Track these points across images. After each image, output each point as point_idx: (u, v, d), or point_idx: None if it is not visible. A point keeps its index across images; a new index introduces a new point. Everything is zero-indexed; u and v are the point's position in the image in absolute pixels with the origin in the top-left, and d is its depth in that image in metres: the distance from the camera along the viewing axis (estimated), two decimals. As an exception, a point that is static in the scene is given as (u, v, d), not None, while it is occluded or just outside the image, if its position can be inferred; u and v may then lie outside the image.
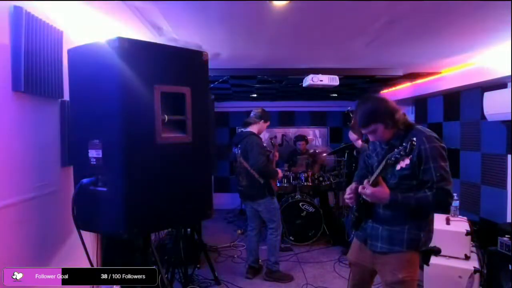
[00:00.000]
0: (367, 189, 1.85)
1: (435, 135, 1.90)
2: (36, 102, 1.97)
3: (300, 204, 4.94)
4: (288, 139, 6.87)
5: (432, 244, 2.00)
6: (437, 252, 2.01)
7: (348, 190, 2.08)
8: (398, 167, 1.72)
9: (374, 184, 1.85)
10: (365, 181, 1.90)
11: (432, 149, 1.82)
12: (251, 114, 3.89)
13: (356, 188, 2.03)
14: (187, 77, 1.87)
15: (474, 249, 3.25)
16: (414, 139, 1.64)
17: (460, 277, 2.96)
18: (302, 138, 6.01)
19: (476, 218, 4.02)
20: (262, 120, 3.85)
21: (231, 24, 2.49)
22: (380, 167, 1.78)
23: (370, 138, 2.01)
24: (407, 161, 1.68)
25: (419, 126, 1.96)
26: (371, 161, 2.18)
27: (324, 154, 5.97)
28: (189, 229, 3.84)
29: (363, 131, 1.99)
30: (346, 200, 2.10)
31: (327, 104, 7.30)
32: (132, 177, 1.64)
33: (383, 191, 1.84)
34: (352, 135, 3.95)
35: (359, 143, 4.04)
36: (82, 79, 1.78)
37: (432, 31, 2.59)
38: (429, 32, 2.62)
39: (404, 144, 1.65)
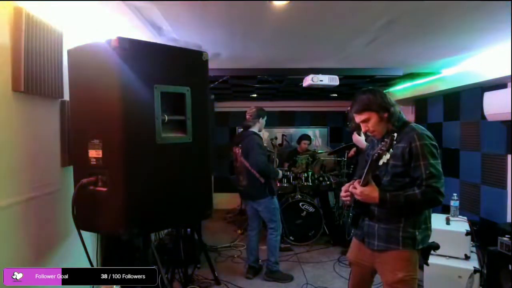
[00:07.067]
0: (357, 189, 1.87)
1: (427, 133, 1.91)
2: (36, 102, 1.97)
3: (300, 204, 4.93)
4: (288, 139, 6.86)
5: (432, 244, 2.01)
6: (436, 247, 2.01)
7: (343, 188, 2.08)
8: (380, 162, 1.74)
9: (365, 183, 1.86)
10: (356, 180, 1.92)
11: (422, 146, 1.83)
12: (247, 116, 3.88)
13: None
14: (187, 77, 1.87)
15: (474, 249, 3.25)
16: (395, 134, 1.68)
17: (460, 277, 2.96)
18: (308, 137, 5.97)
19: (476, 218, 4.02)
20: (260, 118, 3.87)
21: (231, 24, 2.49)
22: (368, 164, 1.81)
23: (363, 128, 2.02)
24: (387, 155, 1.71)
25: (413, 124, 1.97)
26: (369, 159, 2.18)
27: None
28: (189, 229, 3.84)
29: (356, 119, 2.00)
30: (343, 198, 2.10)
31: (327, 104, 7.29)
32: (132, 177, 1.64)
33: (372, 190, 1.85)
34: (356, 136, 3.92)
35: (362, 143, 4.04)
36: (82, 79, 1.78)
37: (432, 31, 2.59)
38: (429, 32, 2.62)
39: (385, 139, 1.67)
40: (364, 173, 1.85)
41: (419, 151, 1.82)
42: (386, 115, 1.92)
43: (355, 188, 1.89)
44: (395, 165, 1.88)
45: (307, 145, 5.84)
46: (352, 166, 5.23)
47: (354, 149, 4.88)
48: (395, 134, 1.69)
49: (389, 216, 1.92)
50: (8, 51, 1.72)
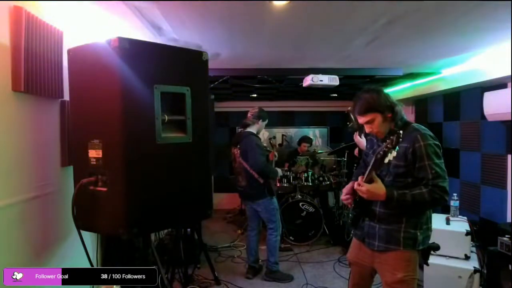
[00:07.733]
0: (362, 186, 1.83)
1: (430, 133, 1.91)
2: (36, 102, 1.97)
3: (300, 204, 4.94)
4: (288, 139, 6.86)
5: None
6: (436, 248, 2.01)
7: (344, 190, 2.06)
8: (386, 160, 1.72)
9: (368, 180, 1.83)
10: (360, 178, 1.88)
11: (426, 146, 1.83)
12: (249, 115, 3.89)
13: (352, 187, 2.00)
14: (187, 77, 1.87)
15: (474, 249, 3.25)
16: (401, 132, 1.65)
17: (460, 277, 2.96)
18: (309, 140, 5.97)
19: (476, 218, 4.02)
20: (261, 120, 3.85)
21: (231, 24, 2.49)
22: (371, 162, 1.79)
23: (366, 129, 2.00)
24: (394, 153, 1.67)
25: (415, 124, 1.97)
26: (368, 159, 2.17)
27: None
28: (189, 229, 3.84)
29: (360, 120, 1.99)
30: (343, 201, 2.10)
31: (327, 104, 7.29)
32: (132, 177, 1.64)
33: (379, 187, 1.83)
34: (357, 138, 3.91)
35: (363, 145, 4.03)
36: (82, 79, 1.78)
37: (432, 31, 2.59)
38: (429, 32, 2.62)
39: (391, 137, 1.66)
40: (368, 171, 1.82)
41: (423, 152, 1.82)
42: (390, 115, 1.92)
43: (359, 185, 1.85)
44: (397, 165, 1.87)
45: (307, 148, 5.85)
46: (355, 165, 5.22)
47: (356, 149, 4.89)
48: (401, 132, 1.66)
49: (390, 217, 1.92)
50: (8, 51, 1.72)
